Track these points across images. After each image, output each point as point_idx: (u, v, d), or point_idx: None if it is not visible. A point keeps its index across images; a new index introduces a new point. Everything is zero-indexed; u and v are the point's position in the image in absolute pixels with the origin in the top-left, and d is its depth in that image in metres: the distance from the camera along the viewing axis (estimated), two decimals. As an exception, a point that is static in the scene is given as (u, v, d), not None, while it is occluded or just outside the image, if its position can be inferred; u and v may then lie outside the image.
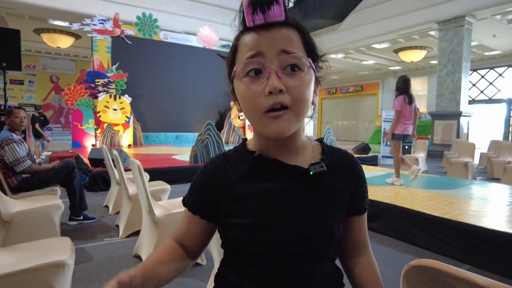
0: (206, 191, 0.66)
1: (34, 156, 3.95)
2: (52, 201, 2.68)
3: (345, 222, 0.70)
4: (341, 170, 0.69)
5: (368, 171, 5.71)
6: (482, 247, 2.55)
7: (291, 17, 0.61)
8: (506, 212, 3.07)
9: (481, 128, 13.60)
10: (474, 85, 14.59)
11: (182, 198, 0.73)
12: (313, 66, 0.62)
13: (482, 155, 8.37)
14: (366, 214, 0.74)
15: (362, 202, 0.72)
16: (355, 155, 8.40)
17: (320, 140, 0.73)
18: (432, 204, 3.26)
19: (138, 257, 2.57)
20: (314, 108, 0.67)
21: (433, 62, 14.53)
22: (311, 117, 0.71)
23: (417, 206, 3.17)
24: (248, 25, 0.59)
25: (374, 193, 3.70)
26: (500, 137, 12.87)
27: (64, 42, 12.39)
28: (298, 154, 0.67)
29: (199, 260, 2.48)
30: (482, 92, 14.69)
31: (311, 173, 0.63)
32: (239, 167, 0.65)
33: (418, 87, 17.40)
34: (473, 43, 10.34)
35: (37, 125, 8.21)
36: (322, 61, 0.66)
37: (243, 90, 0.59)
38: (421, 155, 7.28)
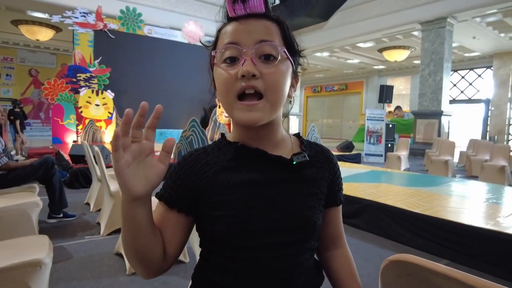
0: (185, 183, 0.63)
1: (12, 153, 3.83)
2: (30, 198, 2.61)
3: (322, 214, 0.71)
4: (320, 162, 0.70)
5: (351, 168, 5.79)
6: (460, 242, 2.63)
7: (272, 11, 0.62)
8: (483, 208, 3.17)
9: (461, 127, 13.98)
10: (454, 85, 14.98)
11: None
12: (290, 59, 0.62)
13: (461, 153, 8.62)
14: (341, 206, 0.76)
15: (338, 194, 0.74)
16: (339, 153, 8.52)
17: (297, 135, 0.75)
18: (413, 201, 3.33)
19: (120, 255, 2.53)
20: (291, 102, 0.67)
21: (416, 62, 14.83)
22: (287, 114, 0.72)
23: (399, 203, 3.23)
24: (229, 15, 0.61)
25: (357, 190, 3.75)
26: (478, 136, 13.28)
27: (44, 35, 12.01)
28: (278, 146, 0.67)
29: (182, 258, 2.46)
30: (462, 92, 15.10)
31: (294, 162, 0.64)
32: (221, 158, 0.65)
33: (402, 86, 17.73)
34: (454, 44, 10.59)
35: (17, 122, 7.94)
36: (301, 56, 0.67)
37: (219, 74, 0.60)
38: (403, 153, 7.43)
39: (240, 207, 0.60)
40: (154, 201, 0.66)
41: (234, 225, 0.60)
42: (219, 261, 0.63)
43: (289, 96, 0.65)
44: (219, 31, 0.64)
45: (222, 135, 0.71)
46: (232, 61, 0.59)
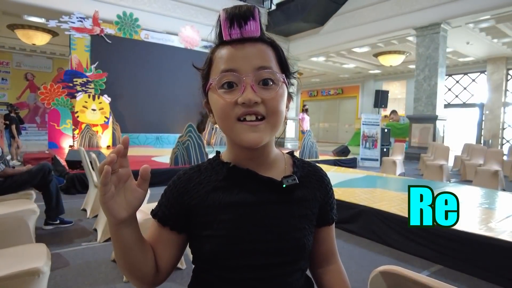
0: (178, 201, 0.65)
1: (8, 157, 3.83)
2: (27, 206, 2.61)
3: (315, 233, 0.72)
4: (311, 182, 0.71)
5: (347, 173, 5.82)
6: (454, 248, 2.65)
7: (266, 34, 0.63)
8: (476, 214, 3.21)
9: (455, 131, 14.09)
10: (449, 89, 15.12)
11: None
12: (286, 82, 0.64)
13: (456, 157, 8.68)
14: (334, 224, 0.77)
15: (330, 213, 0.74)
16: (335, 158, 8.56)
17: (291, 153, 0.76)
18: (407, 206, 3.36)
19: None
20: (285, 122, 0.69)
21: (411, 66, 14.95)
22: (279, 137, 0.74)
23: (393, 208, 3.26)
24: (224, 39, 0.61)
25: (352, 196, 3.77)
26: (473, 140, 13.39)
27: (40, 39, 11.98)
28: (271, 167, 0.68)
29: (179, 264, 2.47)
30: (456, 96, 15.24)
31: (284, 185, 0.65)
32: (213, 178, 0.66)
33: (397, 90, 17.86)
34: (448, 49, 10.70)
35: (13, 127, 7.91)
36: (294, 78, 0.69)
37: (217, 99, 0.61)
38: (398, 158, 7.48)
39: (230, 228, 0.62)
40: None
41: (223, 245, 0.61)
42: (209, 279, 0.65)
43: (285, 118, 0.66)
44: (212, 52, 0.65)
45: (218, 153, 0.73)
46: (230, 86, 0.60)
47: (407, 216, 2.94)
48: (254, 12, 0.60)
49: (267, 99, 0.59)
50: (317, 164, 0.78)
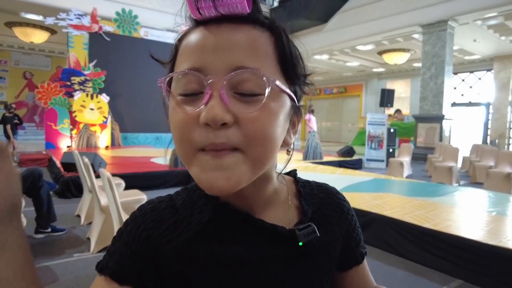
0: (143, 247, 0.43)
1: None
2: (12, 216, 2.41)
3: (341, 280, 0.54)
4: (327, 217, 0.51)
5: (354, 176, 5.61)
6: (474, 260, 2.47)
7: (263, 12, 0.41)
8: (495, 223, 2.99)
9: (461, 131, 13.88)
10: (455, 88, 14.89)
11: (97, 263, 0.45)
12: (288, 91, 0.41)
13: (464, 158, 8.47)
14: (365, 261, 0.55)
15: (357, 249, 0.54)
16: (340, 159, 8.34)
17: (292, 175, 0.54)
18: (421, 214, 3.16)
19: (109, 277, 2.35)
20: (289, 151, 0.47)
21: (416, 65, 14.74)
22: (287, 164, 0.49)
23: (407, 216, 3.06)
24: (194, 17, 0.39)
25: (361, 202, 3.58)
26: (479, 140, 13.18)
27: (38, 37, 11.83)
28: (269, 204, 0.47)
29: None
30: (462, 95, 15.02)
31: (300, 244, 0.44)
32: (195, 219, 0.44)
33: (401, 89, 17.63)
34: (454, 47, 10.50)
35: (8, 127, 7.72)
36: (307, 84, 0.45)
37: (172, 111, 0.39)
38: (406, 159, 7.27)
39: None
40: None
41: None
42: None
43: (287, 143, 0.44)
44: (179, 40, 0.42)
45: None
46: (196, 93, 0.38)
47: (422, 225, 2.75)
48: None
49: (244, 119, 0.36)
50: (328, 185, 0.56)
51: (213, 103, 0.36)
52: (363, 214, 3.24)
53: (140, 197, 3.12)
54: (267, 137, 0.38)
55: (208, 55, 0.37)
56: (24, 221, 2.46)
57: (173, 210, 0.45)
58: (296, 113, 0.45)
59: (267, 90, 0.37)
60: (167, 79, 0.40)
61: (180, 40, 0.42)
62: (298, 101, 0.44)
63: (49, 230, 3.20)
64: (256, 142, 0.37)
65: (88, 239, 3.10)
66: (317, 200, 0.52)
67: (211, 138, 0.36)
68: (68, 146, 8.63)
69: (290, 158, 0.47)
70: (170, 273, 0.43)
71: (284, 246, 0.45)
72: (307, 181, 0.54)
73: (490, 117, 13.57)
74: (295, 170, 0.55)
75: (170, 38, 10.98)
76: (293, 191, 0.51)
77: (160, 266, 0.43)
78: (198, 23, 0.40)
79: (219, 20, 0.38)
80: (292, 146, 0.46)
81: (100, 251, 2.82)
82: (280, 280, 0.44)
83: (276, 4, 13.16)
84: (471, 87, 14.81)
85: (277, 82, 0.38)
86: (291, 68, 0.41)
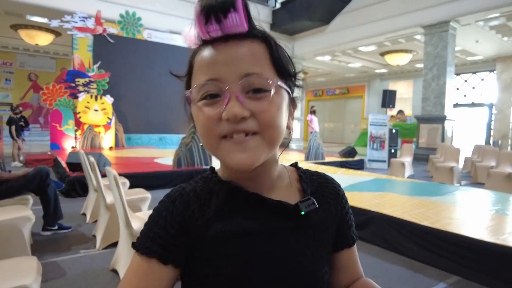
0: (179, 232, 0.51)
1: None
2: (22, 213, 2.48)
3: (333, 260, 0.61)
4: (324, 197, 0.60)
5: (355, 176, 5.66)
6: (472, 257, 2.51)
7: (257, 26, 0.51)
8: (494, 221, 3.04)
9: (464, 132, 13.87)
10: (457, 89, 14.88)
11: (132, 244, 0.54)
12: (285, 87, 0.51)
13: (466, 159, 8.48)
14: (355, 245, 0.64)
15: (349, 232, 0.63)
16: (342, 159, 8.38)
17: (294, 165, 0.65)
18: (421, 212, 3.21)
19: (115, 272, 2.42)
20: (290, 133, 0.57)
21: (418, 65, 14.74)
22: (288, 145, 0.62)
23: (406, 214, 3.10)
24: (203, 38, 0.50)
25: (362, 201, 3.63)
26: (481, 141, 13.16)
27: (43, 39, 11.95)
28: (274, 186, 0.57)
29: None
30: (465, 96, 15.00)
31: (303, 213, 0.53)
32: (213, 202, 0.54)
33: (404, 90, 17.64)
34: (456, 48, 10.51)
35: (13, 128, 7.82)
36: (298, 80, 0.56)
37: (196, 113, 0.51)
38: (407, 159, 7.30)
39: (237, 263, 0.50)
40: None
41: (229, 286, 0.50)
42: None
43: (288, 127, 0.55)
44: (192, 56, 0.53)
45: (212, 169, 0.60)
46: (213, 96, 0.49)
47: (421, 223, 2.80)
48: (235, 1, 0.46)
49: (258, 111, 0.48)
50: (326, 174, 0.66)
51: (232, 103, 0.47)
52: (363, 213, 3.29)
53: (145, 195, 3.19)
54: (276, 123, 0.50)
55: (222, 68, 0.48)
56: (32, 218, 2.53)
57: (195, 195, 0.54)
58: (292, 103, 0.56)
59: (273, 89, 0.48)
60: (192, 90, 0.51)
61: (193, 56, 0.52)
62: (292, 93, 0.55)
63: (56, 227, 3.28)
64: (269, 127, 0.49)
65: (94, 236, 3.17)
66: (316, 183, 0.62)
67: (233, 127, 0.47)
68: (72, 147, 8.72)
69: (291, 135, 0.57)
70: (194, 250, 0.52)
71: (289, 218, 0.54)
72: (307, 169, 0.65)
73: (493, 117, 13.54)
74: (296, 162, 0.65)
75: (174, 40, 11.10)
76: (294, 176, 0.62)
77: (192, 242, 0.52)
78: (206, 41, 0.50)
79: (224, 38, 0.48)
80: (291, 128, 0.57)
81: (105, 248, 2.89)
82: (288, 246, 0.53)
83: (278, 5, 13.21)
84: (474, 87, 14.79)
85: (279, 82, 0.50)
86: (283, 68, 0.52)
